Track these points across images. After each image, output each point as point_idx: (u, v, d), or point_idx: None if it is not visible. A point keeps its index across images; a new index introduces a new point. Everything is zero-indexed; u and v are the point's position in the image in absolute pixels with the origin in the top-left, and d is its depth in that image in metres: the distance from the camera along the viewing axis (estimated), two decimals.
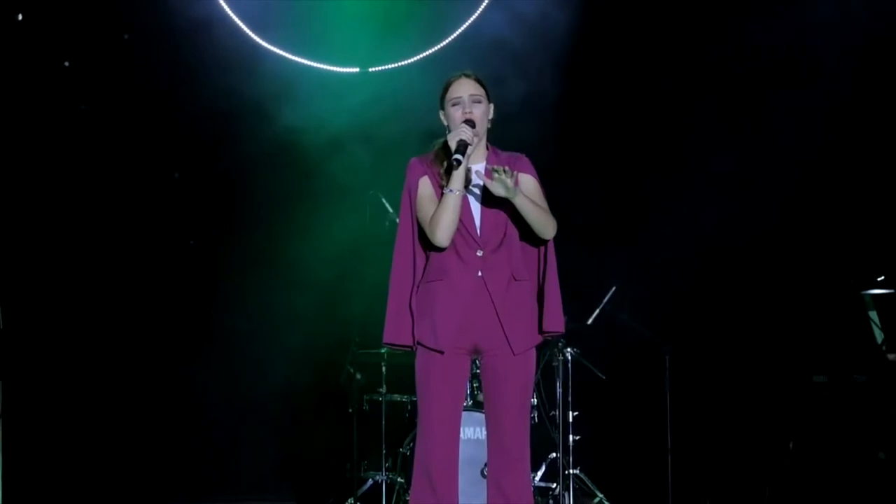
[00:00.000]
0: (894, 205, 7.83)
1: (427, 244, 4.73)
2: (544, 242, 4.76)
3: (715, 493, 7.93)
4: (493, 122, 4.82)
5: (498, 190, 4.61)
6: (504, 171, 4.57)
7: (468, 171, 4.70)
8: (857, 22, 7.82)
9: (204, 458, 8.00)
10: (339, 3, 8.16)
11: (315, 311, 8.00)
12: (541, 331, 4.77)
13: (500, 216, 4.72)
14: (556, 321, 4.77)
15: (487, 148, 4.82)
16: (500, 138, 4.92)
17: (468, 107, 4.72)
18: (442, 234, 4.65)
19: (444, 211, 4.64)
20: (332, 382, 7.87)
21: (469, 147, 4.64)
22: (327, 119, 8.05)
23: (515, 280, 4.72)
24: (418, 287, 4.75)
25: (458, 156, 4.60)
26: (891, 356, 6.92)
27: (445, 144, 4.72)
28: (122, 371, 8.04)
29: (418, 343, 4.73)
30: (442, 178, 4.70)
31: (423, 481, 4.67)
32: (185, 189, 8.32)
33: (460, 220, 4.67)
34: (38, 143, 7.94)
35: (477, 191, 4.73)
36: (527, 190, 4.70)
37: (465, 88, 4.75)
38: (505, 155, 4.80)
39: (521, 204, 4.65)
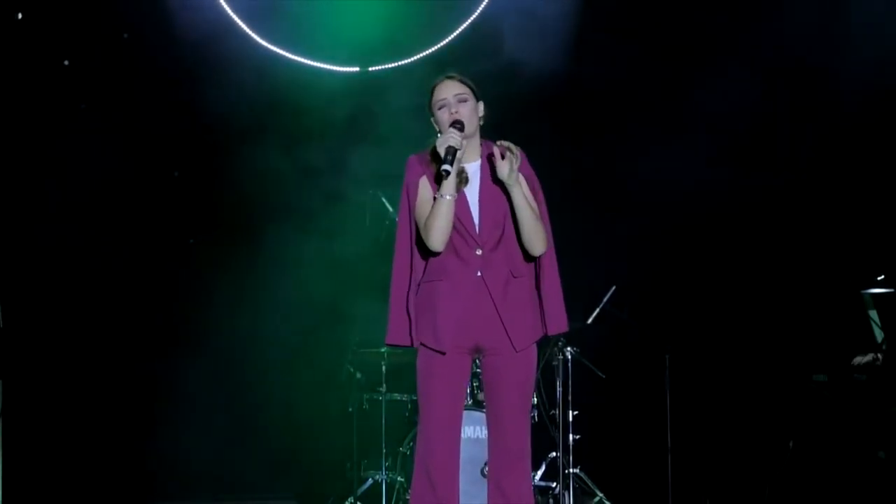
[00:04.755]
0: (894, 205, 7.83)
1: (425, 245, 4.70)
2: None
3: (715, 493, 7.92)
4: (490, 118, 4.78)
5: (503, 170, 4.60)
6: (513, 151, 4.56)
7: (462, 170, 4.68)
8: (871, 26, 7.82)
9: (204, 458, 7.99)
10: (339, 3, 8.16)
11: (315, 310, 8.00)
12: (544, 332, 4.75)
13: (499, 214, 4.70)
14: (559, 322, 4.76)
15: (481, 144, 4.79)
16: (499, 136, 4.89)
17: (454, 107, 4.68)
18: (436, 239, 4.63)
19: (437, 217, 4.62)
20: (332, 382, 7.87)
21: (458, 152, 4.60)
22: (327, 118, 8.06)
23: (514, 277, 4.70)
24: (418, 286, 4.73)
25: (446, 166, 4.56)
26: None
27: (435, 150, 4.69)
28: (121, 370, 8.03)
29: (420, 343, 4.71)
30: (435, 182, 4.68)
31: (424, 481, 4.66)
32: (185, 189, 8.31)
33: (459, 220, 4.65)
34: (38, 143, 7.94)
35: (475, 189, 4.71)
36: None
37: (449, 90, 4.72)
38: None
39: (519, 201, 4.63)
